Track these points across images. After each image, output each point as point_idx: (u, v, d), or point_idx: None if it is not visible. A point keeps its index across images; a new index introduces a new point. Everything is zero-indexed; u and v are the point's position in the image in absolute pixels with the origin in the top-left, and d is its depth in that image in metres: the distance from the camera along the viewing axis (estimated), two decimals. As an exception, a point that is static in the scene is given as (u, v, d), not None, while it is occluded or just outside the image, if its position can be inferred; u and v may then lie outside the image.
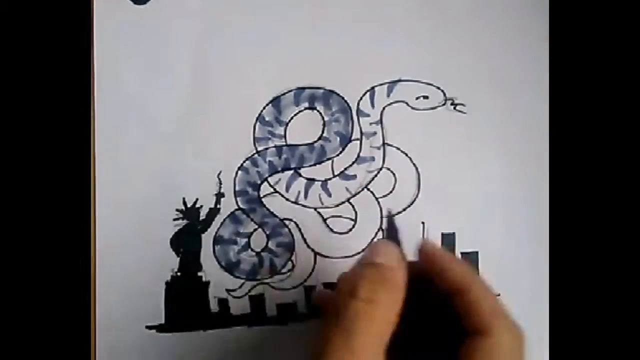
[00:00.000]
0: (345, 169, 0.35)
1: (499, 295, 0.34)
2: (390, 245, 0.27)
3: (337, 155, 0.35)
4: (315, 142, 0.35)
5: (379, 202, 0.35)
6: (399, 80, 0.35)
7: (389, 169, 0.35)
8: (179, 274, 0.33)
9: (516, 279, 0.35)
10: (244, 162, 0.34)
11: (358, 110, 0.35)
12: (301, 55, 0.35)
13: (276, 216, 0.34)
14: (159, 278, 0.33)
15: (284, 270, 0.34)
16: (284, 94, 0.34)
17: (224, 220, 0.34)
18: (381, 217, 0.34)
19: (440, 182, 0.35)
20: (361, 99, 0.35)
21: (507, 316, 0.26)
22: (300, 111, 0.35)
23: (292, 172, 0.34)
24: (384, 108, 0.35)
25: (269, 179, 0.34)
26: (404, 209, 0.35)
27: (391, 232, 0.28)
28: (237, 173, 0.34)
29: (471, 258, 0.35)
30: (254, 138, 0.34)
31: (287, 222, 0.34)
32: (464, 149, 0.35)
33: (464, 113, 0.35)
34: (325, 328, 0.25)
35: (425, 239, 0.33)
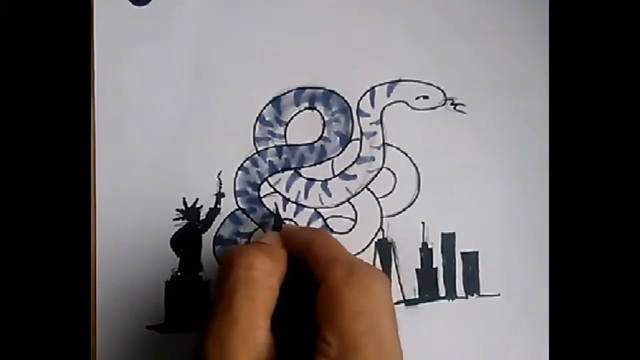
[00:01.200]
0: (346, 168, 0.35)
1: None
2: (270, 232, 0.30)
3: (337, 155, 0.35)
4: (316, 142, 0.35)
5: (379, 202, 0.35)
6: (399, 80, 0.35)
7: (389, 169, 0.35)
8: (179, 274, 0.33)
9: (516, 279, 0.35)
10: (244, 162, 0.34)
11: (358, 110, 0.35)
12: (301, 55, 0.35)
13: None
14: (159, 278, 0.33)
15: (284, 270, 0.34)
16: (284, 94, 0.34)
17: (224, 220, 0.34)
18: (381, 218, 0.35)
19: (441, 182, 0.35)
20: (361, 98, 0.35)
21: (347, 260, 0.27)
22: (300, 111, 0.35)
23: (292, 172, 0.34)
24: (384, 108, 0.35)
25: (269, 179, 0.34)
26: (404, 209, 0.35)
27: (276, 222, 0.33)
28: (237, 173, 0.34)
29: (471, 258, 0.35)
30: (254, 138, 0.34)
31: (287, 222, 0.34)
32: (464, 148, 0.35)
33: (464, 113, 0.35)
34: (212, 301, 0.26)
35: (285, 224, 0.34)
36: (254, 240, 0.29)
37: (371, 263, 0.34)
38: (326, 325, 0.25)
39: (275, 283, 0.26)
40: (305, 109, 0.35)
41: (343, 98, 0.35)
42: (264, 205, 0.34)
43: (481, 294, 0.35)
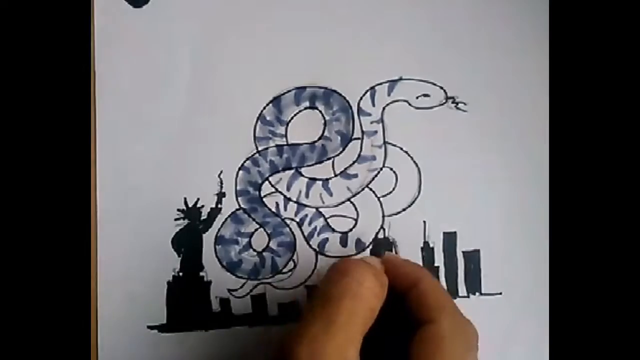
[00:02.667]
0: (346, 168, 0.35)
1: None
2: (373, 258, 0.29)
3: (338, 154, 0.35)
4: (316, 141, 0.35)
5: (380, 201, 0.35)
6: (400, 79, 0.35)
7: (390, 168, 0.35)
8: (180, 273, 0.33)
9: (516, 278, 0.35)
10: (245, 161, 0.34)
11: (359, 109, 0.35)
12: (301, 55, 0.35)
13: (277, 216, 0.34)
14: (161, 278, 0.33)
15: (285, 270, 0.34)
16: (284, 94, 0.34)
17: (225, 220, 0.34)
18: (383, 217, 0.35)
19: (442, 181, 0.35)
20: (362, 98, 0.35)
21: (454, 309, 0.27)
22: (300, 110, 0.35)
23: (293, 171, 0.34)
24: (384, 107, 0.35)
25: (270, 178, 0.34)
26: (405, 208, 0.35)
27: (375, 247, 0.34)
28: (238, 173, 0.34)
29: (473, 257, 0.35)
30: (255, 137, 0.34)
31: (288, 222, 0.34)
32: (465, 147, 0.35)
33: (465, 112, 0.35)
34: (311, 302, 0.25)
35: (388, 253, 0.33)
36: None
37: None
38: None
39: (377, 306, 0.26)
40: (306, 108, 0.35)
41: (344, 97, 0.35)
42: (265, 205, 0.34)
43: (483, 292, 0.35)
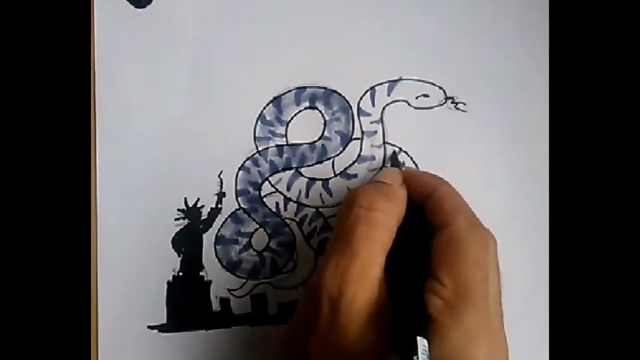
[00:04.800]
0: (346, 168, 0.35)
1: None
2: (392, 169, 0.31)
3: (338, 154, 0.35)
4: (316, 141, 0.35)
5: (380, 201, 0.35)
6: (400, 79, 0.35)
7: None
8: (180, 273, 0.33)
9: (516, 277, 0.35)
10: (245, 161, 0.34)
11: (359, 109, 0.35)
12: (301, 55, 0.35)
13: (278, 215, 0.34)
14: (161, 278, 0.33)
15: (285, 270, 0.34)
16: (284, 94, 0.34)
17: (226, 219, 0.34)
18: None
19: (441, 181, 0.35)
20: (362, 98, 0.35)
21: (471, 213, 0.28)
22: (301, 110, 0.35)
23: (293, 171, 0.34)
24: (384, 107, 0.35)
25: (270, 178, 0.34)
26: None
27: (394, 163, 0.33)
28: (238, 172, 0.34)
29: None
30: (255, 137, 0.34)
31: (288, 222, 0.34)
32: (464, 147, 0.35)
33: (465, 112, 0.35)
34: (329, 242, 0.27)
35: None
36: (375, 179, 0.29)
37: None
38: (443, 268, 0.26)
39: (393, 223, 0.27)
40: (306, 108, 0.35)
41: (344, 97, 0.35)
42: (265, 205, 0.34)
43: (482, 292, 0.35)
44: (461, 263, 0.26)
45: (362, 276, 0.26)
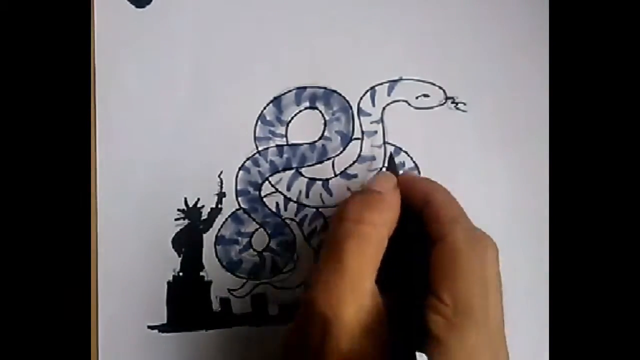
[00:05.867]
0: (347, 168, 0.35)
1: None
2: (385, 174, 0.29)
3: (338, 154, 0.35)
4: (317, 141, 0.35)
5: (380, 201, 0.35)
6: (400, 79, 0.35)
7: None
8: (180, 273, 0.33)
9: (516, 278, 0.35)
10: (245, 161, 0.34)
11: (359, 109, 0.35)
12: (301, 55, 0.35)
13: (278, 216, 0.34)
14: (161, 278, 0.33)
15: (285, 270, 0.34)
16: (284, 94, 0.34)
17: (226, 220, 0.34)
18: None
19: (441, 181, 0.35)
20: (362, 98, 0.35)
21: (468, 222, 0.27)
22: (301, 110, 0.35)
23: (293, 171, 0.34)
24: (384, 107, 0.35)
25: (270, 178, 0.34)
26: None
27: (391, 167, 0.32)
28: (238, 173, 0.34)
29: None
30: (255, 137, 0.34)
31: (288, 222, 0.34)
32: (464, 147, 0.35)
33: (465, 112, 0.35)
34: (321, 254, 0.26)
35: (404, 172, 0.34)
36: (367, 187, 0.28)
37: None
38: (443, 284, 0.25)
39: (384, 234, 0.26)
40: (306, 108, 0.35)
41: (344, 97, 0.35)
42: (265, 205, 0.34)
43: (482, 292, 0.35)
44: (461, 279, 0.25)
45: (353, 292, 0.25)
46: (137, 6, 0.34)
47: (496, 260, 0.27)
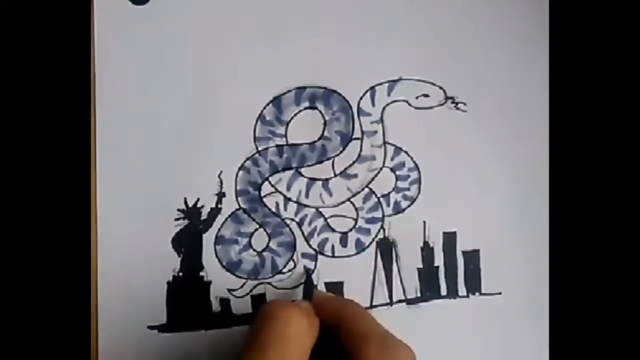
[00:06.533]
0: (346, 168, 0.35)
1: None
2: (303, 301, 0.29)
3: (338, 154, 0.35)
4: (316, 141, 0.35)
5: (380, 201, 0.35)
6: (400, 79, 0.35)
7: (389, 168, 0.35)
8: (180, 274, 0.33)
9: (516, 278, 0.35)
10: (245, 161, 0.34)
11: (359, 109, 0.35)
12: (301, 55, 0.35)
13: (277, 216, 0.34)
14: (161, 278, 0.33)
15: (285, 270, 0.34)
16: (284, 94, 0.34)
17: (225, 220, 0.34)
18: (383, 217, 0.35)
19: (441, 181, 0.35)
20: (362, 98, 0.35)
21: (381, 335, 0.27)
22: (300, 110, 0.35)
23: (293, 171, 0.34)
24: (384, 107, 0.35)
25: (270, 178, 0.34)
26: (405, 208, 0.35)
27: (307, 288, 0.32)
28: (238, 173, 0.34)
29: (473, 257, 0.35)
30: (255, 137, 0.34)
31: (288, 222, 0.34)
32: (464, 147, 0.35)
33: (465, 112, 0.35)
34: (243, 350, 0.26)
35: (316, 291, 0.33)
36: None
37: (372, 263, 0.34)
38: None
39: (308, 344, 0.26)
40: (306, 108, 0.35)
41: (344, 97, 0.35)
42: (265, 205, 0.34)
43: (483, 292, 0.35)
44: None
45: None
46: (136, 3, 0.34)
47: None
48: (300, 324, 0.26)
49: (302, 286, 0.34)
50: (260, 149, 0.34)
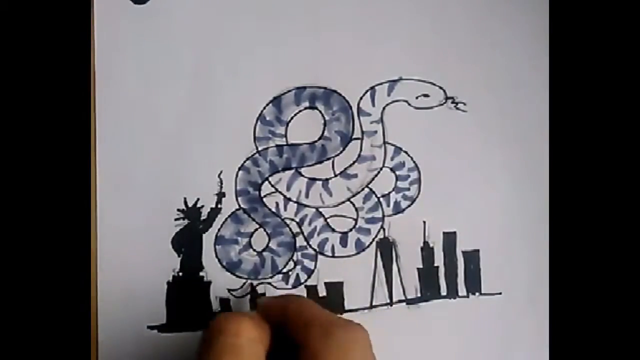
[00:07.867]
0: (346, 168, 0.35)
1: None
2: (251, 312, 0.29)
3: (338, 154, 0.35)
4: (316, 141, 0.35)
5: (380, 201, 0.35)
6: (400, 79, 0.35)
7: (389, 168, 0.35)
8: (180, 274, 0.33)
9: (516, 278, 0.35)
10: (245, 161, 0.34)
11: (359, 109, 0.35)
12: (301, 55, 0.35)
13: (277, 216, 0.34)
14: (160, 278, 0.33)
15: (285, 270, 0.34)
16: (284, 94, 0.34)
17: (225, 220, 0.34)
18: (383, 217, 0.35)
19: (441, 181, 0.35)
20: (362, 98, 0.35)
21: (324, 321, 0.26)
22: (300, 110, 0.35)
23: (293, 171, 0.34)
24: (384, 107, 0.35)
25: (270, 178, 0.34)
26: (405, 208, 0.35)
27: (252, 295, 0.33)
28: (238, 173, 0.34)
29: (473, 257, 0.35)
30: (255, 137, 0.34)
31: (288, 222, 0.34)
32: (464, 147, 0.35)
33: (465, 112, 0.35)
34: None
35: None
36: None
37: (372, 263, 0.34)
38: None
39: (261, 350, 0.26)
40: (306, 108, 0.35)
41: (344, 97, 0.35)
42: (265, 205, 0.34)
43: (483, 292, 0.35)
44: None
45: None
46: (136, 3, 0.34)
47: (364, 345, 0.26)
48: (249, 333, 0.26)
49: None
50: (260, 149, 0.34)
